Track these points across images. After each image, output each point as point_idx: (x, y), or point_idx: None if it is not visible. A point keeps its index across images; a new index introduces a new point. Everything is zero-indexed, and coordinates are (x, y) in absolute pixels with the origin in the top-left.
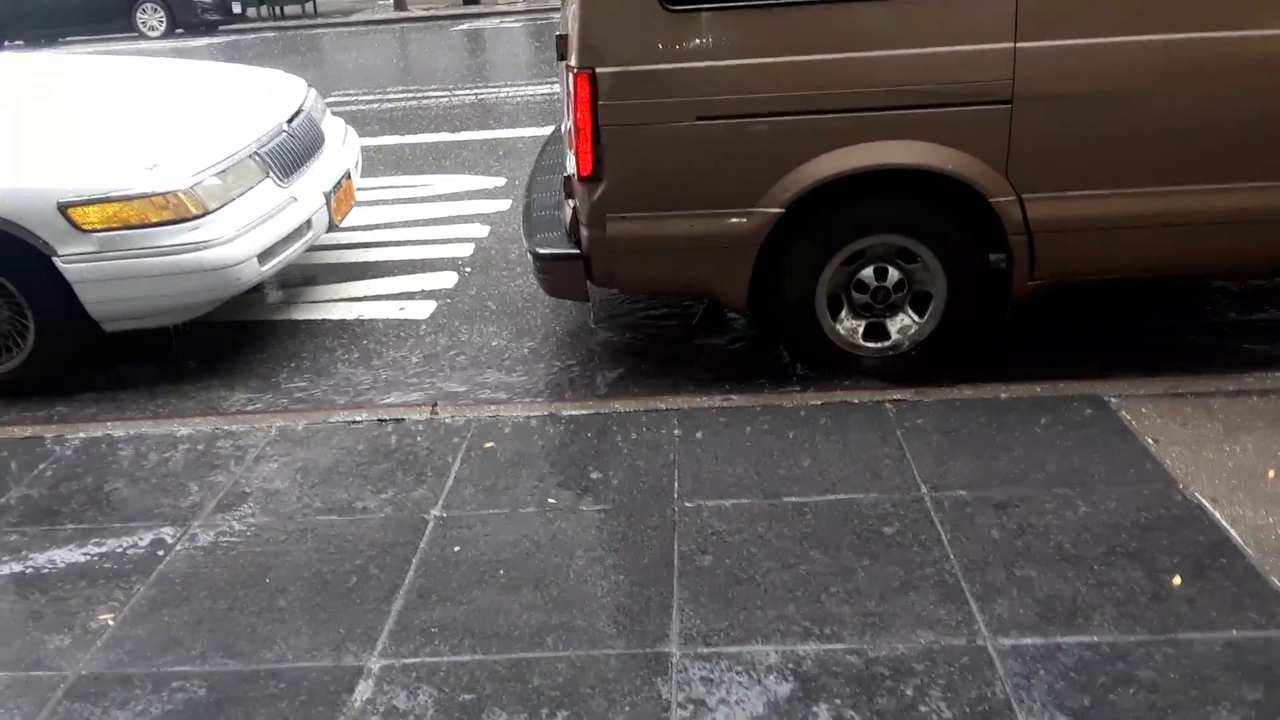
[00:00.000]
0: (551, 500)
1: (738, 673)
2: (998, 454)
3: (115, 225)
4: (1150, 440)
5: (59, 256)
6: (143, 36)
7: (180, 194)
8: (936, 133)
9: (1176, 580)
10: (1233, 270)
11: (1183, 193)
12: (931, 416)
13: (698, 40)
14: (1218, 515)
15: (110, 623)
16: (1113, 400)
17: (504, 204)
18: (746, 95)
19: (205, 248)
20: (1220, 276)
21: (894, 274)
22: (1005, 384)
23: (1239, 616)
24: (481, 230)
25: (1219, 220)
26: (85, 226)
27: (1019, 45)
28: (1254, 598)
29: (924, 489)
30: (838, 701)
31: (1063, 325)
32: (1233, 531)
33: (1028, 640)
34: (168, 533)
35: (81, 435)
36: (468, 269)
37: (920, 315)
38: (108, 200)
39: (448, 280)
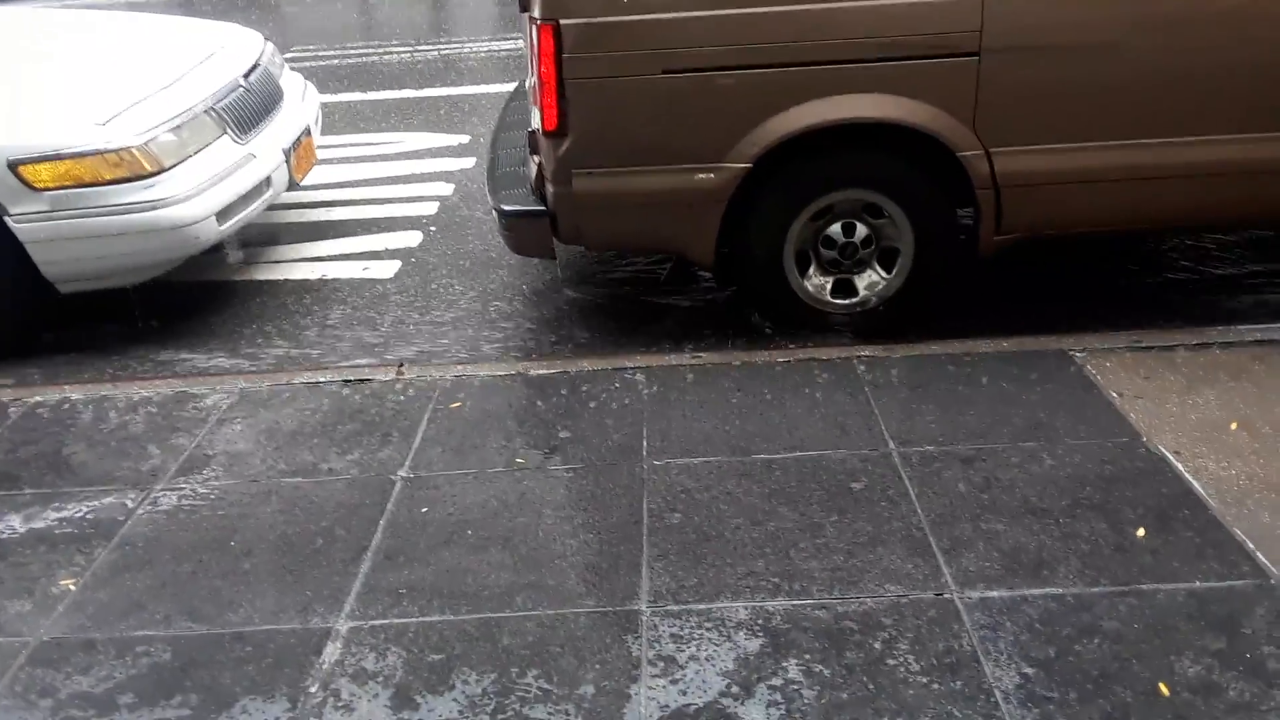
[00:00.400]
0: (520, 460)
1: (707, 629)
2: (965, 409)
3: (68, 183)
4: (1114, 394)
5: (10, 216)
6: None
7: (134, 150)
8: (903, 86)
9: (1140, 532)
10: (1199, 225)
11: (1149, 146)
12: (899, 372)
13: None
14: (1180, 467)
15: (72, 588)
16: (1078, 355)
17: (468, 161)
18: (713, 48)
19: (161, 206)
20: (1188, 230)
21: (862, 230)
22: (972, 339)
23: (1201, 567)
24: (446, 188)
25: (1185, 174)
26: (37, 185)
27: None
28: (1216, 548)
29: (892, 444)
30: (807, 656)
31: (1029, 280)
32: (1195, 483)
33: (994, 593)
34: (129, 496)
35: (38, 398)
36: (432, 228)
37: (888, 271)
38: (59, 157)
39: (412, 239)
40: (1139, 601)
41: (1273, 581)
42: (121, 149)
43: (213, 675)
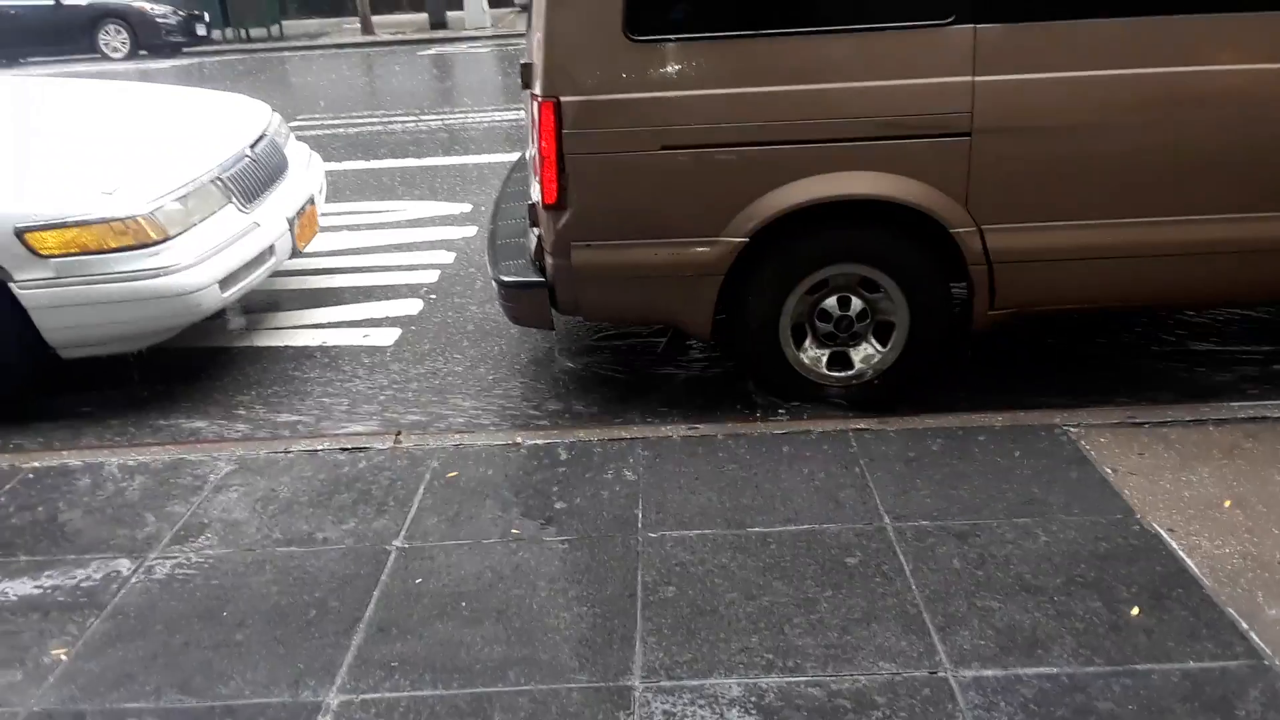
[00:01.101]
0: (515, 530)
1: (700, 706)
2: (959, 483)
3: (73, 250)
4: (1109, 469)
5: (15, 282)
6: (105, 58)
7: (140, 219)
8: (898, 164)
9: (1134, 611)
10: (1192, 302)
11: (1139, 225)
12: (894, 446)
13: (662, 70)
14: (1174, 545)
15: (63, 657)
16: (1072, 430)
17: (470, 230)
18: (711, 125)
19: (165, 274)
20: (1180, 308)
21: (857, 303)
22: (967, 414)
23: (1196, 647)
24: (447, 257)
25: (1176, 253)
26: (43, 252)
27: (977, 79)
28: (1210, 627)
29: (887, 519)
30: None
31: (1023, 355)
32: (1189, 561)
33: (988, 672)
34: (123, 565)
35: (36, 464)
36: (433, 296)
37: (883, 345)
38: (65, 225)
39: (412, 307)
40: (1133, 682)
41: (1266, 663)
42: (128, 217)
43: None
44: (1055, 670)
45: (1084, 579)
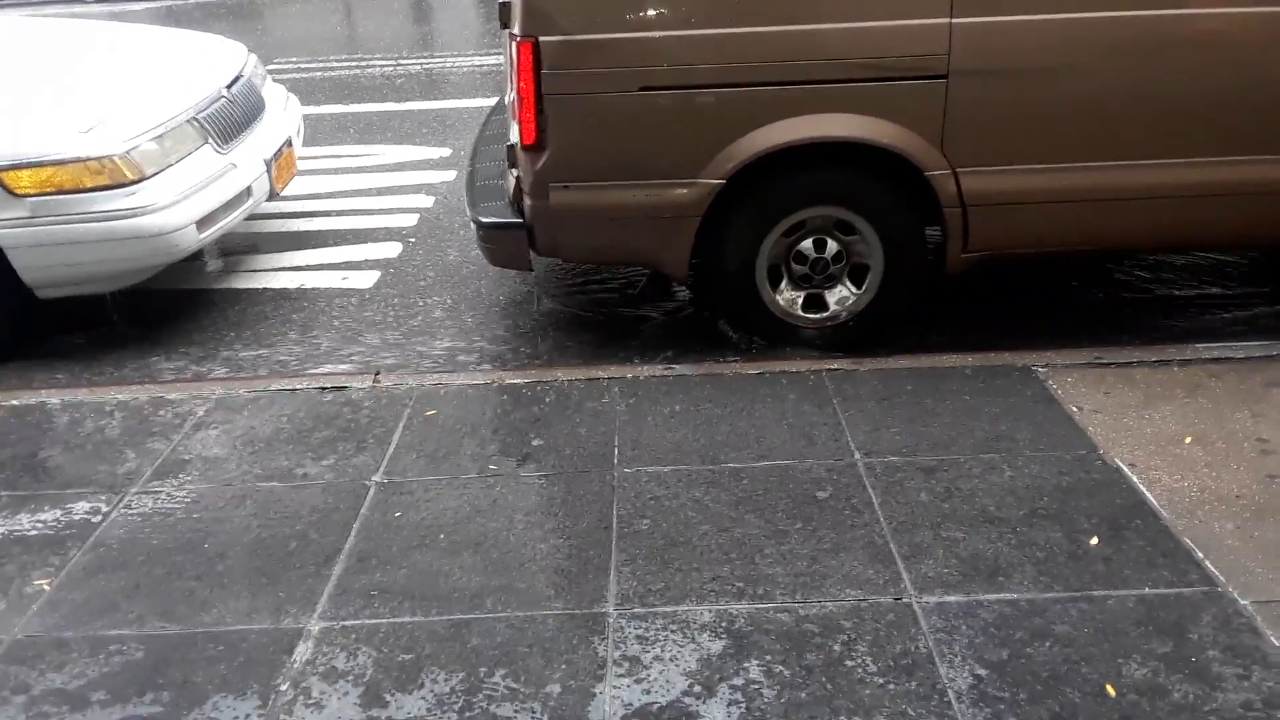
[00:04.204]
0: (493, 466)
1: (672, 631)
2: (929, 421)
3: (49, 190)
4: (1074, 408)
5: None
6: None
7: (116, 159)
8: (874, 106)
9: (1094, 541)
10: (1165, 245)
11: (1112, 169)
12: (867, 385)
13: (641, 10)
14: (1135, 479)
15: (46, 588)
16: (1040, 370)
17: (449, 174)
18: (689, 66)
19: (142, 213)
20: (1152, 252)
21: (833, 246)
22: (939, 354)
23: (1152, 574)
24: (426, 200)
25: (1147, 196)
26: (18, 191)
27: (954, 20)
28: (1166, 556)
29: (857, 455)
30: (768, 657)
31: (995, 297)
32: (1149, 494)
33: (951, 598)
34: (104, 499)
35: (14, 402)
36: (412, 239)
37: (858, 287)
38: (41, 164)
39: (392, 250)
40: (1090, 607)
41: (1219, 589)
42: (103, 156)
43: (185, 673)
44: (1015, 596)
45: (1046, 511)
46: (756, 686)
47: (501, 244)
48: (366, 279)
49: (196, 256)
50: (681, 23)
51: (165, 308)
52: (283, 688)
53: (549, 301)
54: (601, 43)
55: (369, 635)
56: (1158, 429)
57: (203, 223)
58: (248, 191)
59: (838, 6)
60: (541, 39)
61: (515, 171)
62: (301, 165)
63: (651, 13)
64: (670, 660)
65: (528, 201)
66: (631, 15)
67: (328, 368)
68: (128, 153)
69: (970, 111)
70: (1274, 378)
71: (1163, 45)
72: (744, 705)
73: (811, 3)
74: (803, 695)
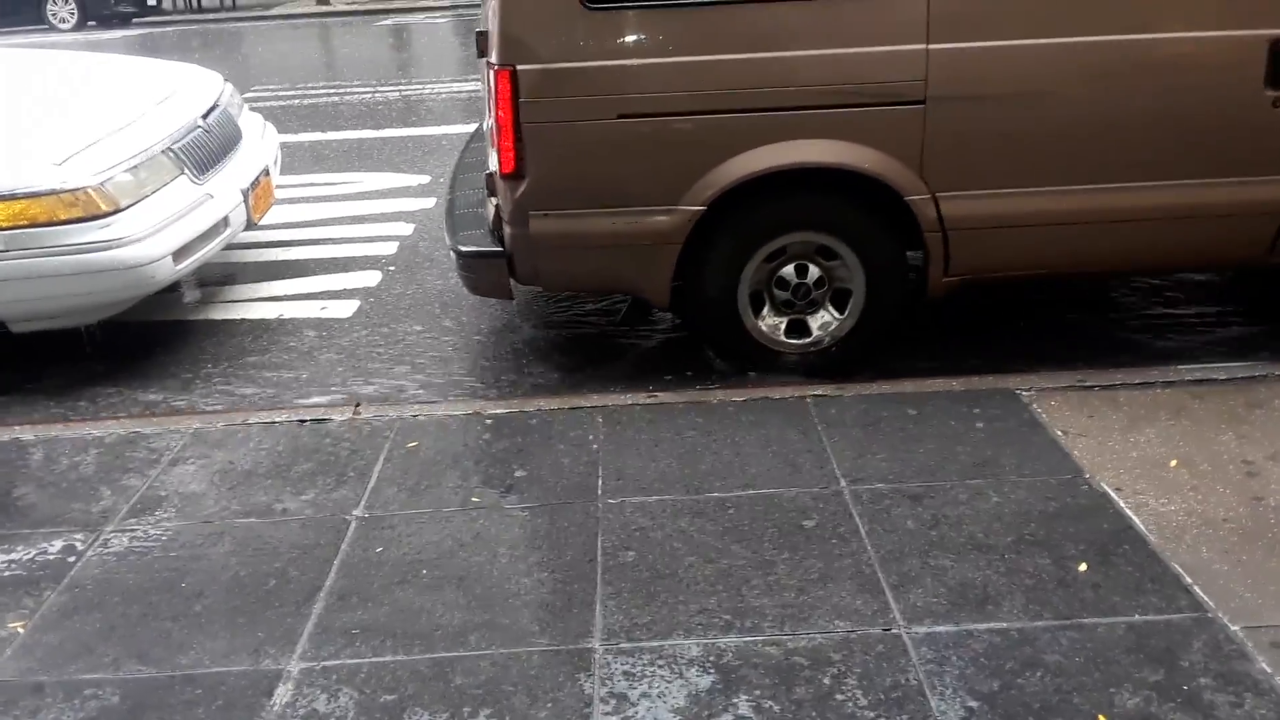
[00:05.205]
0: (475, 499)
1: (660, 666)
2: (914, 447)
3: (22, 223)
4: (1059, 432)
5: None
6: (53, 29)
7: (90, 190)
8: (853, 132)
9: (1082, 567)
10: (1145, 268)
11: (1093, 192)
12: (851, 411)
13: (618, 38)
14: (1122, 503)
15: (20, 630)
16: (1024, 394)
17: (428, 202)
18: (667, 94)
19: (116, 246)
20: (1133, 274)
21: (814, 271)
22: (922, 379)
23: (1141, 601)
24: (405, 228)
25: (1128, 219)
26: None
27: (931, 47)
28: (1155, 582)
29: (843, 482)
30: (757, 692)
31: (977, 320)
32: (1135, 519)
33: (940, 628)
34: (79, 538)
35: None
36: (391, 267)
37: (840, 312)
38: (14, 197)
39: (371, 279)
40: (1080, 635)
41: (1209, 615)
42: (77, 189)
43: (162, 718)
44: (1005, 625)
45: (1034, 537)
46: None
47: (482, 273)
48: (346, 308)
49: (173, 288)
50: (659, 50)
51: (142, 340)
52: None
53: (530, 330)
54: (579, 71)
55: (350, 675)
56: (1143, 452)
57: (179, 254)
58: (225, 222)
59: (816, 34)
60: (519, 68)
61: (495, 200)
62: (279, 194)
63: (629, 41)
64: (658, 697)
65: (508, 230)
66: (609, 43)
67: (307, 400)
68: (102, 184)
69: (949, 137)
70: (1256, 399)
71: (1138, 70)
72: None
73: (788, 30)
74: None
